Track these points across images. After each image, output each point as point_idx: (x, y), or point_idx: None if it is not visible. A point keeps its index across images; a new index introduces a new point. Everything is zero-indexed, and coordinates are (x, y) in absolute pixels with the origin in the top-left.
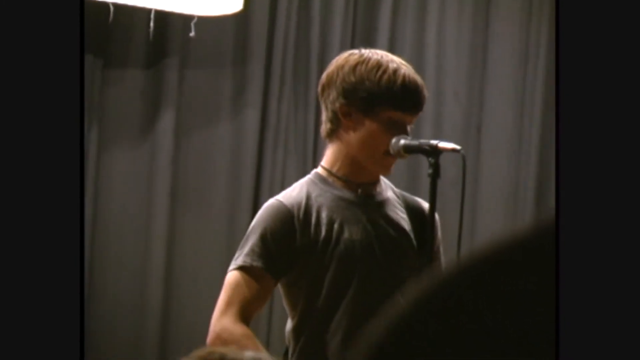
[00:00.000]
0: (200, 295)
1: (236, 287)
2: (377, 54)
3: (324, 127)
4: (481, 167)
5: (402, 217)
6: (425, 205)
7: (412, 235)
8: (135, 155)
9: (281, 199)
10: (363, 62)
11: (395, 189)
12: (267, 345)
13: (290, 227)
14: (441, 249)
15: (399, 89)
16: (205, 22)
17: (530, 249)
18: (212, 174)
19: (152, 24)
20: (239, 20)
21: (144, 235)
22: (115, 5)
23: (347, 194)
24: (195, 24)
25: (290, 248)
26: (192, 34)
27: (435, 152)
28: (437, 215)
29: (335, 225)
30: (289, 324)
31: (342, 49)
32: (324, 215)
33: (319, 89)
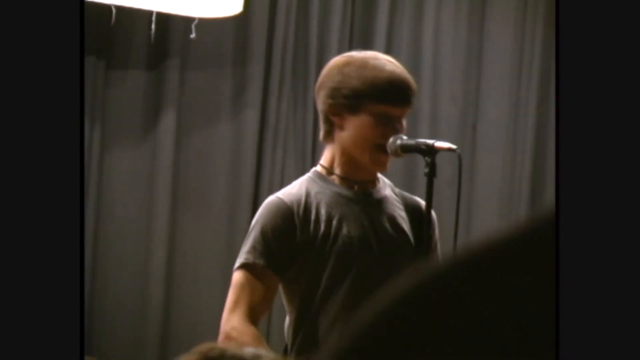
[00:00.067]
0: (200, 293)
1: (242, 286)
2: (367, 54)
3: (321, 130)
4: (477, 166)
5: (400, 215)
6: (424, 204)
7: (410, 233)
8: (136, 154)
9: (281, 196)
10: (350, 62)
11: (395, 188)
12: (267, 342)
13: (290, 223)
14: (438, 247)
15: (383, 84)
16: (206, 24)
17: (528, 242)
18: (212, 173)
19: (153, 26)
20: (239, 22)
21: (145, 233)
22: (117, 7)
23: (345, 191)
24: (196, 26)
25: (290, 244)
26: (192, 35)
27: (432, 151)
28: (434, 214)
29: (334, 222)
30: (287, 321)
31: (340, 49)
32: (323, 212)
33: (315, 93)
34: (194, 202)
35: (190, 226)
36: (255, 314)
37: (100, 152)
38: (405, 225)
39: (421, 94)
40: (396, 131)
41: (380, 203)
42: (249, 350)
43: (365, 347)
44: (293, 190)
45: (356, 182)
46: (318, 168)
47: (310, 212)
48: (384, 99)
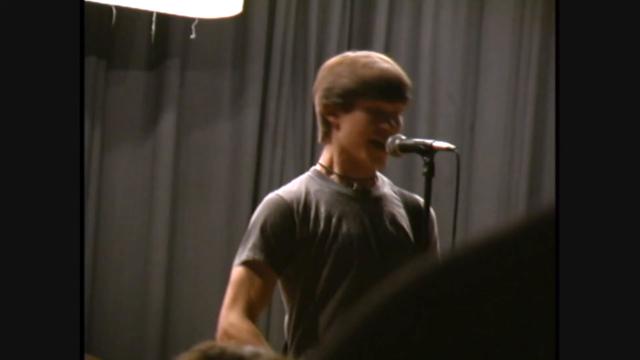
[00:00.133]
0: (200, 292)
1: (241, 282)
2: (359, 53)
3: (319, 131)
4: (475, 166)
5: (399, 213)
6: (423, 201)
7: (409, 231)
8: (137, 153)
9: (281, 194)
10: (341, 62)
11: (394, 186)
12: (267, 340)
13: (290, 221)
14: (438, 244)
15: (374, 80)
16: (206, 25)
17: (527, 237)
18: (212, 172)
19: (153, 26)
20: (239, 22)
21: (145, 232)
22: (118, 8)
23: (344, 189)
24: (196, 26)
25: (290, 241)
26: (192, 36)
27: (430, 151)
28: (432, 211)
29: (334, 220)
30: (287, 318)
31: (339, 50)
32: (322, 209)
33: (313, 95)
34: (193, 201)
35: (190, 225)
36: (253, 310)
37: (100, 151)
38: (405, 222)
39: (419, 93)
40: (391, 127)
41: (379, 201)
42: (248, 349)
43: (363, 342)
44: (293, 188)
45: (355, 180)
46: (317, 167)
47: (309, 210)
48: (375, 94)
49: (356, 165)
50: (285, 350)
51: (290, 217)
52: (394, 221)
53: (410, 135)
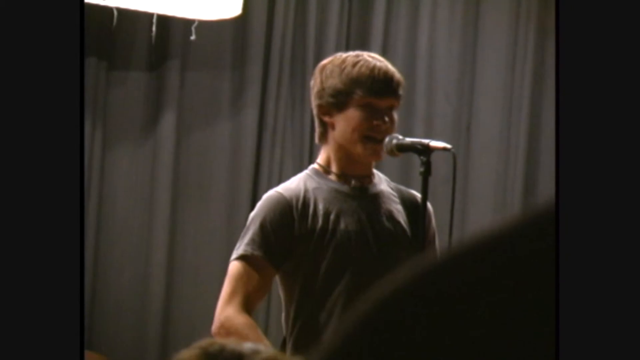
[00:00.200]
0: (200, 290)
1: (239, 277)
2: (349, 53)
3: (316, 132)
4: (471, 165)
5: (396, 209)
6: (420, 196)
7: (406, 226)
8: (138, 153)
9: (280, 191)
10: (331, 62)
11: (391, 182)
12: (265, 335)
13: (289, 217)
14: (437, 238)
15: (364, 77)
16: (206, 26)
17: (525, 233)
18: (212, 172)
19: (154, 28)
20: (238, 24)
21: (145, 231)
22: (119, 10)
23: (342, 187)
24: (196, 28)
25: (288, 238)
26: (192, 37)
27: (427, 150)
28: (430, 207)
29: (332, 217)
30: (284, 313)
31: (337, 51)
32: (320, 207)
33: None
34: (193, 201)
35: (190, 222)
36: (250, 304)
37: (102, 151)
38: (402, 218)
39: (416, 93)
40: (385, 123)
41: (376, 197)
42: (248, 346)
43: (362, 340)
44: (292, 185)
45: (352, 177)
46: (315, 166)
47: (308, 206)
48: (366, 91)
49: (353, 162)
50: (283, 344)
51: (289, 213)
52: (391, 217)
53: (407, 135)
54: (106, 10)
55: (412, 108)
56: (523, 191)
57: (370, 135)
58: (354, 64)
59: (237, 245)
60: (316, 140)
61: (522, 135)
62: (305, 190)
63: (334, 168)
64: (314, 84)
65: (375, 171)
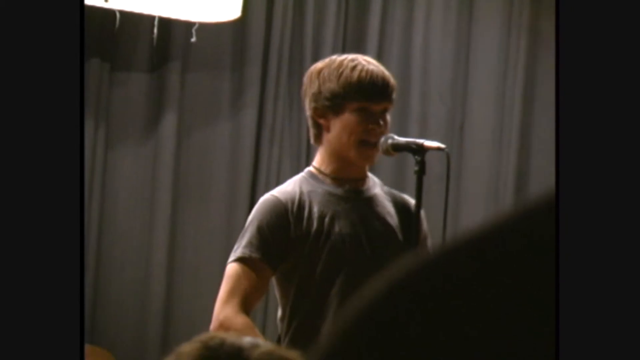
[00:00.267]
0: (200, 290)
1: (236, 278)
2: (345, 57)
3: (311, 133)
4: (464, 164)
5: (389, 212)
6: (412, 202)
7: (397, 230)
8: (139, 153)
9: (276, 194)
10: (327, 66)
11: (384, 186)
12: (263, 334)
13: (284, 220)
14: (429, 242)
15: (359, 82)
16: (206, 29)
17: (517, 230)
18: (211, 171)
19: (155, 30)
20: (238, 26)
21: (146, 230)
22: (122, 12)
23: (336, 190)
24: (197, 30)
25: (285, 240)
26: (193, 39)
27: (421, 150)
28: (422, 212)
29: (326, 219)
30: (280, 313)
31: (334, 52)
32: (315, 209)
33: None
34: (194, 202)
35: (190, 221)
36: (248, 305)
37: (104, 151)
38: (394, 222)
39: (411, 94)
40: (379, 126)
41: (370, 201)
42: (247, 340)
43: (357, 337)
44: (288, 188)
45: (347, 180)
46: (311, 168)
47: (303, 209)
48: (362, 96)
49: (347, 166)
50: (278, 342)
51: (285, 216)
52: (384, 220)
53: (402, 135)
54: (109, 13)
55: (407, 108)
56: (515, 188)
57: (365, 139)
58: (352, 69)
59: (235, 247)
60: (311, 141)
61: (514, 134)
62: (301, 194)
63: (328, 171)
64: (309, 86)
65: (369, 175)
